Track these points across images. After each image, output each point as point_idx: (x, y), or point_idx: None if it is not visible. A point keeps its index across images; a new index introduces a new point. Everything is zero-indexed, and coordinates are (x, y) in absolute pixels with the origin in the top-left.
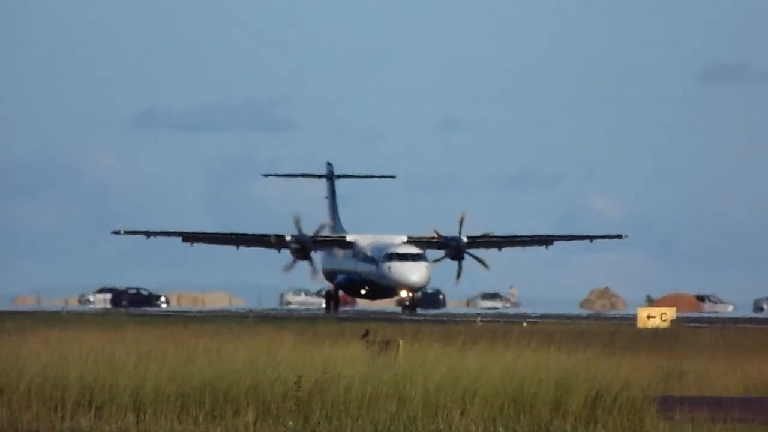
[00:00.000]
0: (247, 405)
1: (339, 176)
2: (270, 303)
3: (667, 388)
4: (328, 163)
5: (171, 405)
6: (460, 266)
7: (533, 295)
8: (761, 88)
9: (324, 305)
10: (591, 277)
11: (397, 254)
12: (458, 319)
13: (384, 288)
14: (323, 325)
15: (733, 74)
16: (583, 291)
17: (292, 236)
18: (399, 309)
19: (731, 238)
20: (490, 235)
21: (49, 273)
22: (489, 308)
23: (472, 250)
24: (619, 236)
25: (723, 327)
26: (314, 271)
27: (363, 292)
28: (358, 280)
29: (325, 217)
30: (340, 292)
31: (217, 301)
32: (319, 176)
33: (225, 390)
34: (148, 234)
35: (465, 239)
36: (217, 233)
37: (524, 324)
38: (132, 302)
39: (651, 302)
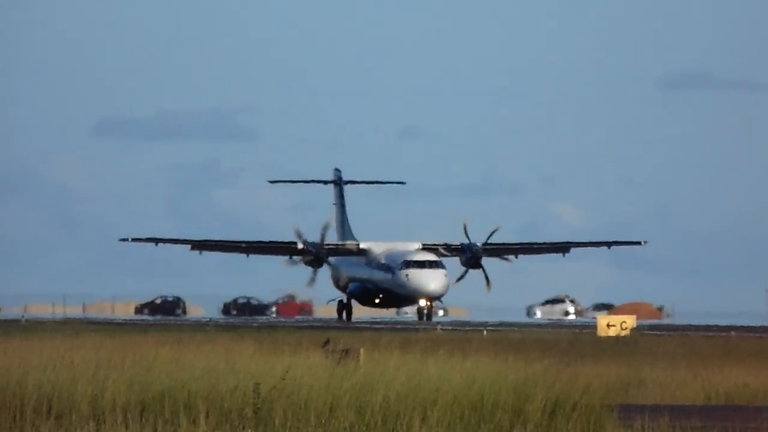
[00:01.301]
0: (207, 413)
1: (348, 182)
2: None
3: (627, 396)
4: (336, 169)
5: (130, 413)
6: (484, 273)
7: (494, 303)
8: (724, 97)
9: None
10: (552, 285)
11: (415, 262)
12: (418, 327)
13: (401, 297)
14: (283, 333)
15: (697, 83)
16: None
17: (305, 243)
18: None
19: (694, 247)
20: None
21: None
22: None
23: (488, 259)
24: (638, 243)
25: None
26: (335, 277)
27: (377, 300)
28: (372, 288)
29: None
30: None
31: None
32: (327, 182)
33: (184, 398)
34: (156, 241)
35: (480, 246)
36: (227, 241)
37: (484, 332)
38: (242, 311)
39: (610, 310)
